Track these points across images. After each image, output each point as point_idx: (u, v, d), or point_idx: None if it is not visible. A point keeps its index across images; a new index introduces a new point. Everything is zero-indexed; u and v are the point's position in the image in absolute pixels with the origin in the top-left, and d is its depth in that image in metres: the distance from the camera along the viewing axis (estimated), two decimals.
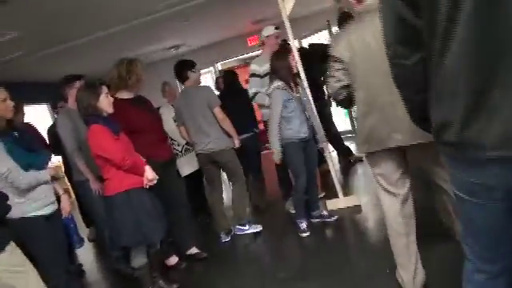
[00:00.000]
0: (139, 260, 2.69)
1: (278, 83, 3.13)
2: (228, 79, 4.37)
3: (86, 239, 3.68)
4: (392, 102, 1.72)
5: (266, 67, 3.51)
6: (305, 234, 3.24)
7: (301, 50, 4.84)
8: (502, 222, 1.03)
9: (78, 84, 3.04)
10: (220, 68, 8.57)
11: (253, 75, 3.74)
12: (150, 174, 2.63)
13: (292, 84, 3.24)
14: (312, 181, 3.41)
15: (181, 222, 3.26)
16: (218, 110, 3.39)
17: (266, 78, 3.46)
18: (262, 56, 3.84)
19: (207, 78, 8.15)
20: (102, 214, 2.90)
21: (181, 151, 3.95)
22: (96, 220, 3.47)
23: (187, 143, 3.90)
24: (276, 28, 3.82)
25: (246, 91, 4.00)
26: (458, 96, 0.93)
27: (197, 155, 3.58)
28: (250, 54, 8.24)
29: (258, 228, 3.64)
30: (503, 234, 1.06)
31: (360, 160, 5.16)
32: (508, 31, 0.84)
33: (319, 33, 6.81)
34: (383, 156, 1.96)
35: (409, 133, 1.77)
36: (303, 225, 3.29)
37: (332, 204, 3.66)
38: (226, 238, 3.62)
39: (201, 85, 3.59)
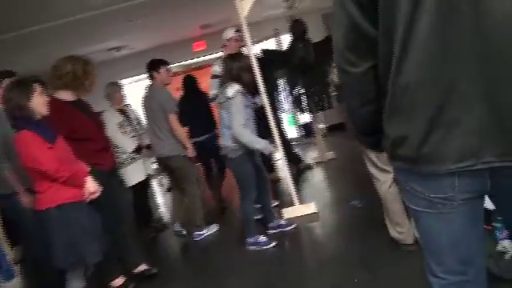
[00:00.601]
0: (75, 284, 2.40)
1: (238, 87, 2.92)
2: (188, 83, 4.42)
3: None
4: None
5: None
6: (271, 245, 3.07)
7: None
8: (461, 228, 1.02)
9: (8, 82, 2.63)
10: None
11: (214, 76, 3.64)
12: (91, 186, 2.35)
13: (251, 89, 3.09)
14: (265, 190, 3.25)
15: (126, 237, 2.97)
16: (171, 118, 3.39)
17: None
18: (215, 67, 3.71)
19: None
20: (31, 230, 2.59)
21: (126, 159, 3.63)
22: (25, 238, 3.03)
23: (134, 151, 3.61)
24: (237, 31, 3.68)
25: (205, 94, 4.09)
26: (416, 109, 0.91)
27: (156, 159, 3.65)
28: (190, 61, 7.98)
29: (215, 228, 3.73)
30: (463, 241, 1.04)
31: (310, 167, 5.17)
32: (469, 41, 0.83)
33: (266, 40, 6.79)
34: None
35: None
36: (262, 238, 3.12)
37: (289, 212, 3.55)
38: (178, 228, 3.69)
39: (163, 89, 3.57)
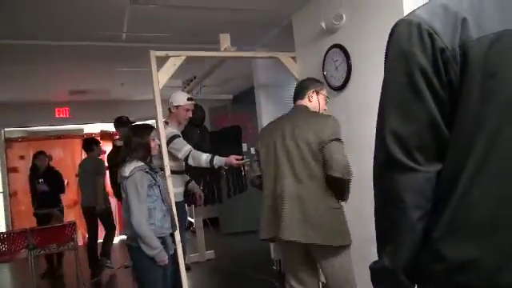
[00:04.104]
0: None
1: (138, 163, 2.38)
2: None
3: None
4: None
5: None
6: None
7: None
8: None
9: None
10: (4, 136, 6.63)
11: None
12: None
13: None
14: None
15: None
16: None
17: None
18: (169, 128, 3.11)
19: None
20: None
21: None
22: None
23: None
24: (189, 99, 3.23)
25: None
26: (498, 228, 0.79)
27: None
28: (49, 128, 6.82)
29: None
30: None
31: (187, 268, 4.48)
32: None
33: (146, 120, 6.31)
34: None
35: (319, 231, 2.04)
36: None
37: None
38: None
39: None
